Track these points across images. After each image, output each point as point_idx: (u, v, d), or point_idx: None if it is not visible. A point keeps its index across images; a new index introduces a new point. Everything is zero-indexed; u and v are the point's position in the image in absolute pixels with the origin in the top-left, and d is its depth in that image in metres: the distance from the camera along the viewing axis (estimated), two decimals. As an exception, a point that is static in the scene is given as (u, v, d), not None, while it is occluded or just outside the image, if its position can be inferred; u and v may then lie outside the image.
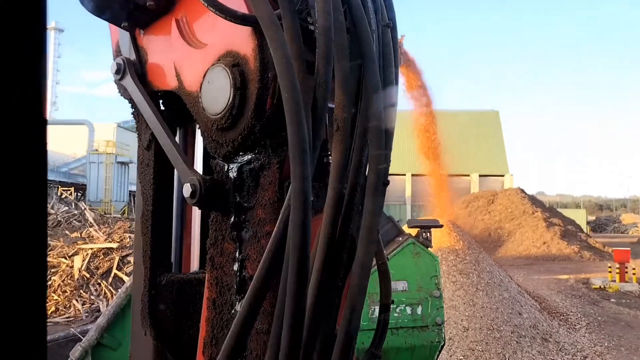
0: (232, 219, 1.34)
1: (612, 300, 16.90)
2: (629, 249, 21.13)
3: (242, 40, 1.32)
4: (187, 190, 1.36)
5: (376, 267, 1.67)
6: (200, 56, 1.46)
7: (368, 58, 1.30)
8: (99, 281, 15.22)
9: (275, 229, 1.14)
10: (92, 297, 14.67)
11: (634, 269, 19.76)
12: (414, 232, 3.64)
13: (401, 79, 25.23)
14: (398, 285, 3.48)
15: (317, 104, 1.20)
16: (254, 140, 1.31)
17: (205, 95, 1.41)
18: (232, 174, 1.35)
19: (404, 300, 3.38)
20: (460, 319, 11.28)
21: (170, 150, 1.52)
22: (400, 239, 3.56)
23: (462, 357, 10.41)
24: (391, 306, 3.50)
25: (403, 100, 26.24)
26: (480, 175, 50.39)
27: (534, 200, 37.43)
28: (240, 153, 1.35)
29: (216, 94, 1.36)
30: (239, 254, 1.33)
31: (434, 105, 27.30)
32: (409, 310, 3.34)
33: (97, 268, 15.59)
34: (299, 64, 1.18)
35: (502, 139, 54.25)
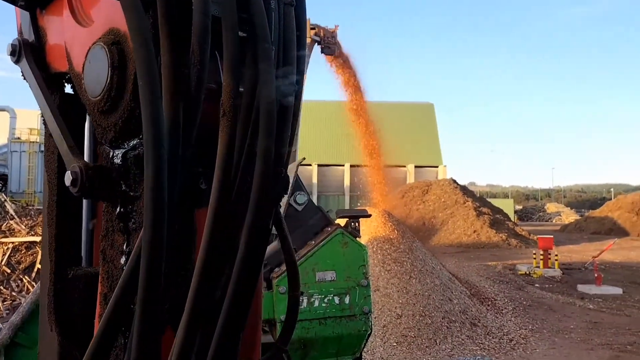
0: (119, 209, 1.24)
1: (537, 285, 17.80)
2: (552, 236, 22.33)
3: (122, 16, 1.22)
4: (67, 177, 1.25)
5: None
6: (86, 34, 1.36)
7: (259, 37, 1.20)
8: (21, 277, 14.44)
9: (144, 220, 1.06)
10: (14, 294, 13.90)
11: (556, 255, 20.89)
12: (342, 222, 3.62)
13: (334, 69, 25.42)
14: (327, 275, 3.46)
15: (191, 85, 1.12)
16: (136, 124, 1.20)
17: (86, 75, 1.31)
18: (117, 161, 1.25)
19: (332, 290, 3.35)
20: (394, 307, 11.51)
21: (57, 135, 1.41)
22: (329, 229, 3.52)
23: (395, 344, 10.64)
24: (319, 296, 3.49)
25: (336, 90, 26.42)
26: (415, 166, 51.66)
27: (465, 191, 38.78)
28: (125, 138, 1.24)
29: (96, 75, 1.26)
30: (126, 247, 1.23)
31: (366, 96, 27.64)
32: (336, 300, 3.32)
33: (19, 263, 14.78)
34: (169, 42, 1.09)
35: (436, 131, 55.79)
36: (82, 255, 1.64)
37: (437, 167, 52.91)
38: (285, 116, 1.26)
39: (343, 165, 50.61)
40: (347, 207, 46.70)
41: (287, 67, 1.30)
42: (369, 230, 13.82)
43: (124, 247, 1.24)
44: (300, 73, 1.39)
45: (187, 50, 1.13)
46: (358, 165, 40.87)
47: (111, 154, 1.27)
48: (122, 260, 1.24)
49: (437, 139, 55.24)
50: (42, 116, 1.63)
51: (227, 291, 1.15)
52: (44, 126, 1.68)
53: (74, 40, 1.42)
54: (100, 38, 1.28)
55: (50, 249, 1.63)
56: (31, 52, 1.60)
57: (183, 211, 1.21)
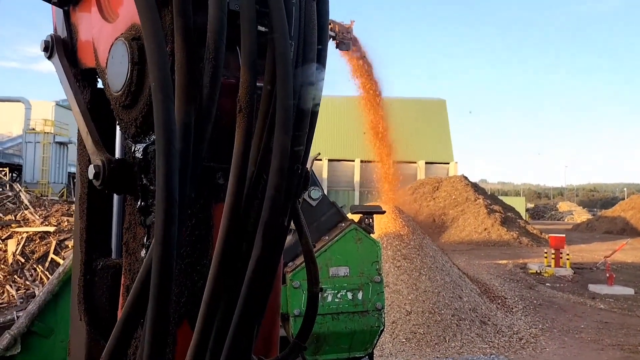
0: (140, 203, 1.26)
1: (547, 284, 17.70)
2: (564, 235, 22.15)
3: None
4: (90, 171, 1.27)
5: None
6: (111, 30, 1.38)
7: (277, 32, 1.19)
8: (35, 266, 14.60)
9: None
10: (27, 283, 14.07)
11: (568, 254, 20.75)
12: (356, 218, 3.63)
13: (348, 65, 25.32)
14: (340, 271, 3.47)
15: (205, 80, 1.13)
16: None
17: (109, 70, 1.33)
18: (138, 155, 1.26)
19: (345, 285, 3.37)
20: (403, 303, 11.52)
21: (83, 130, 1.44)
22: (343, 224, 3.53)
23: (404, 340, 10.65)
24: (332, 292, 3.51)
25: (347, 85, 26.32)
26: (426, 163, 51.46)
27: (476, 188, 38.61)
28: (146, 132, 1.26)
29: (117, 70, 1.28)
30: (147, 240, 1.25)
31: (382, 92, 27.51)
32: (349, 295, 3.33)
33: (33, 252, 14.94)
34: (182, 39, 1.11)
35: (448, 127, 55.50)
36: (111, 247, 1.68)
37: (448, 163, 52.66)
38: (303, 114, 1.25)
39: (353, 161, 50.52)
40: (357, 202, 46.68)
41: (307, 64, 1.30)
42: (380, 226, 13.81)
43: (145, 240, 1.26)
44: (321, 69, 1.38)
45: (202, 46, 1.13)
46: (368, 161, 40.71)
47: (133, 148, 1.28)
48: (143, 253, 1.27)
49: (449, 135, 54.96)
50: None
51: (242, 287, 1.17)
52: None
53: (100, 36, 1.45)
54: (122, 34, 1.29)
55: (81, 240, 1.67)
56: (63, 48, 1.63)
57: (199, 207, 1.23)
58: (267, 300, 1.22)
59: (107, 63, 1.34)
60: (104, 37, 1.43)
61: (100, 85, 1.65)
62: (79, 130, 1.61)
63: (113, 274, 1.58)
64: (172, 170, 1.04)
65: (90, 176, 1.28)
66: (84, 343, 1.64)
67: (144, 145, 1.26)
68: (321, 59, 1.37)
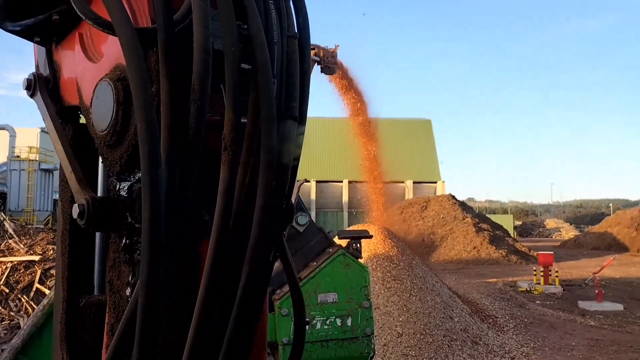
0: (125, 241, 1.25)
1: (537, 302, 17.72)
2: (552, 252, 22.29)
3: None
4: (75, 210, 1.27)
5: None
6: (95, 70, 1.39)
7: (262, 75, 1.21)
8: (20, 296, 14.34)
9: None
10: (12, 314, 13.80)
11: (557, 271, 20.84)
12: (344, 243, 3.62)
13: (335, 87, 25.58)
14: (328, 297, 3.45)
15: (191, 122, 1.14)
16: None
17: (94, 110, 1.34)
18: (123, 193, 1.27)
19: (334, 311, 3.34)
20: (394, 325, 11.44)
21: (67, 168, 1.43)
22: (331, 250, 3.52)
23: (396, 363, 10.55)
24: (321, 319, 3.48)
25: (334, 107, 26.61)
26: (414, 182, 51.71)
27: (464, 206, 38.79)
28: (131, 170, 1.27)
29: (103, 110, 1.29)
30: (132, 278, 1.25)
31: (369, 113, 27.74)
32: (339, 321, 3.30)
33: (17, 282, 14.69)
34: (167, 81, 1.12)
35: (434, 146, 55.96)
36: (94, 284, 1.66)
37: (435, 182, 52.96)
38: (284, 152, 1.27)
39: (341, 182, 50.64)
40: (346, 223, 46.62)
41: (289, 102, 1.32)
42: (369, 247, 13.78)
43: (130, 278, 1.25)
44: (304, 102, 1.40)
45: (188, 86, 1.14)
46: (357, 181, 40.87)
47: (117, 186, 1.29)
48: (128, 291, 1.26)
49: (435, 154, 55.39)
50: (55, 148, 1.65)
51: (229, 325, 1.16)
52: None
53: (83, 75, 1.46)
54: (107, 74, 1.31)
55: (63, 277, 1.65)
56: (45, 86, 1.64)
57: (185, 245, 1.23)
58: (253, 335, 1.21)
59: (91, 103, 1.36)
60: (87, 76, 1.44)
61: (82, 121, 1.65)
62: (61, 167, 1.61)
63: (96, 312, 1.56)
64: (158, 210, 1.04)
65: (75, 215, 1.28)
66: None
67: (129, 183, 1.27)
68: (304, 94, 1.40)
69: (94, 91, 1.34)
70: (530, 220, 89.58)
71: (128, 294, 1.26)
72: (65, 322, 1.60)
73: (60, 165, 1.62)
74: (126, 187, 1.26)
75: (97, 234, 1.60)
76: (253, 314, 1.19)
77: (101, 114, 1.30)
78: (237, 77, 1.17)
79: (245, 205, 1.18)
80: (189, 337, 1.10)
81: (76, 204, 1.27)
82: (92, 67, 1.42)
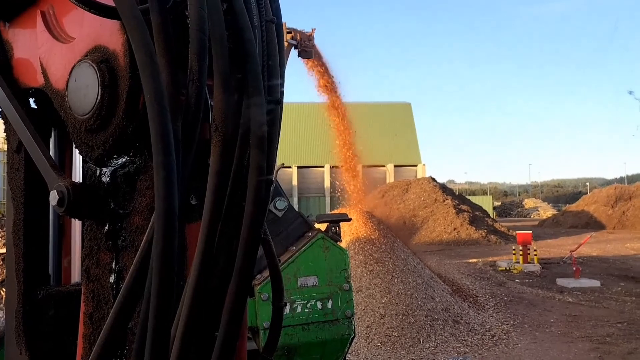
0: (107, 227, 1.23)
1: (517, 280, 18.04)
2: (531, 232, 22.66)
3: (111, 34, 1.21)
4: (53, 197, 1.24)
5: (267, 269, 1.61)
6: (67, 51, 1.34)
7: (249, 56, 1.21)
8: (-2, 289, 14.15)
9: (144, 237, 1.06)
10: (-9, 307, 13.62)
11: (535, 250, 21.21)
12: (323, 227, 3.63)
13: (311, 72, 25.48)
14: (309, 281, 3.47)
15: (190, 102, 1.12)
16: (127, 142, 1.21)
17: (71, 93, 1.29)
18: (105, 179, 1.24)
19: (315, 295, 3.36)
20: (377, 307, 11.57)
21: (36, 154, 1.39)
22: (310, 234, 3.53)
23: (379, 344, 10.69)
24: (301, 302, 3.49)
25: (314, 92, 26.43)
26: (395, 166, 51.96)
27: (444, 189, 39.15)
28: (114, 156, 1.24)
29: (83, 93, 1.25)
30: (116, 265, 1.23)
31: (344, 97, 27.67)
32: (319, 305, 3.33)
33: (-5, 275, 14.48)
34: (166, 61, 1.09)
35: (414, 130, 56.20)
36: (49, 274, 1.63)
37: (416, 165, 53.29)
38: (272, 131, 1.27)
39: (323, 167, 50.67)
40: (328, 208, 46.76)
41: (272, 80, 1.32)
42: (350, 231, 13.87)
43: (113, 265, 1.23)
44: (282, 84, 1.42)
45: (185, 68, 1.13)
46: (337, 166, 41.00)
47: (98, 172, 1.26)
48: (112, 278, 1.24)
49: (416, 137, 55.64)
50: (7, 134, 1.61)
51: (221, 305, 1.15)
52: (6, 141, 1.66)
53: (51, 56, 1.40)
54: (86, 55, 1.26)
55: (19, 269, 1.60)
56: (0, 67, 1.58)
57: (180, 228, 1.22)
58: (242, 315, 1.21)
59: (67, 86, 1.31)
60: (56, 57, 1.38)
61: (33, 106, 1.61)
62: (10, 152, 1.57)
63: (56, 303, 1.53)
64: (173, 182, 1.02)
65: (53, 202, 1.25)
66: None
67: (112, 168, 1.24)
68: (281, 79, 1.41)
69: (70, 73, 1.29)
70: (509, 200, 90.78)
71: (112, 281, 1.24)
72: (23, 315, 1.56)
73: (8, 150, 1.58)
74: (109, 173, 1.24)
75: (51, 223, 1.58)
76: (248, 288, 1.18)
77: (81, 97, 1.25)
78: (226, 57, 1.16)
79: (235, 185, 1.16)
80: (182, 316, 1.08)
81: (54, 191, 1.24)
82: (62, 47, 1.36)
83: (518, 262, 20.45)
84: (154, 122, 1.03)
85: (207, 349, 1.12)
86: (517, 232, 24.70)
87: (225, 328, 1.12)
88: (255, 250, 1.17)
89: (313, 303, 3.36)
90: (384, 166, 50.83)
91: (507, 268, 20.11)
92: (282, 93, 1.41)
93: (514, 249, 21.55)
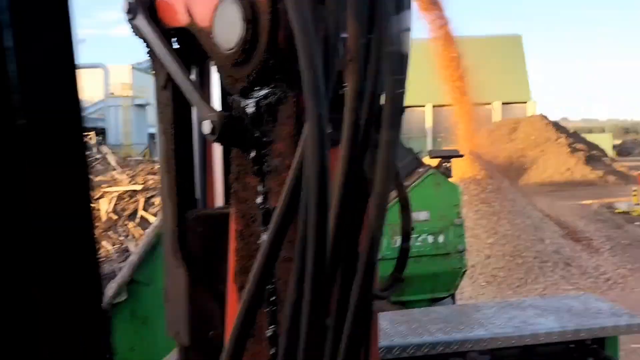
0: (253, 154, 1.35)
1: (637, 223, 16.87)
2: (655, 172, 20.87)
3: None
4: (207, 126, 1.36)
5: (397, 198, 1.66)
6: None
7: None
8: (126, 222, 15.64)
9: (294, 161, 1.14)
10: (121, 238, 15.13)
11: (659, 191, 19.59)
12: (434, 162, 3.63)
13: (416, 5, 24.30)
14: (420, 215, 3.51)
15: (329, 34, 1.17)
16: (268, 74, 1.29)
17: (217, 30, 1.38)
18: (250, 109, 1.34)
19: (426, 229, 3.41)
20: (482, 247, 11.42)
21: (187, 89, 1.52)
22: (421, 170, 3.55)
23: (484, 284, 10.62)
24: (413, 235, 3.56)
25: (418, 26, 25.28)
26: (502, 103, 49.34)
27: (557, 127, 36.75)
28: (256, 88, 1.33)
29: (228, 29, 1.33)
30: (262, 187, 1.35)
31: (453, 31, 26.33)
32: (430, 239, 3.38)
33: (123, 210, 15.97)
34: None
35: (524, 65, 52.60)
36: (196, 198, 1.80)
37: (525, 103, 50.25)
38: (404, 59, 1.28)
39: (424, 106, 49.34)
40: (429, 148, 45.82)
41: (404, 10, 1.32)
42: (457, 171, 13.55)
43: (259, 187, 1.34)
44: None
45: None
46: (441, 105, 39.64)
47: (242, 103, 1.37)
48: (259, 199, 1.35)
49: (526, 73, 52.15)
50: (155, 72, 1.74)
51: (360, 225, 1.18)
52: (154, 79, 1.80)
53: None
54: None
55: (171, 194, 1.77)
56: (147, 8, 1.70)
57: None
58: (381, 235, 1.25)
59: (213, 22, 1.40)
60: None
61: (176, 45, 1.72)
62: (160, 89, 1.70)
63: (205, 224, 1.70)
64: (321, 104, 1.08)
65: (207, 131, 1.36)
66: (184, 288, 1.77)
67: (255, 99, 1.33)
68: (409, 4, 1.40)
69: (215, 10, 1.39)
70: (631, 138, 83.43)
71: (259, 202, 1.36)
72: (178, 234, 1.73)
73: (156, 87, 1.71)
74: (253, 104, 1.34)
75: (196, 152, 1.72)
76: (386, 207, 1.22)
77: (226, 33, 1.34)
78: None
79: (371, 114, 1.21)
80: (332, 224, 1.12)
81: (207, 121, 1.37)
82: None
83: (638, 204, 19.02)
84: (303, 54, 1.08)
85: (352, 267, 1.20)
86: (638, 172, 22.82)
87: (367, 249, 1.18)
88: (391, 174, 1.22)
89: (425, 237, 3.41)
90: (489, 104, 48.44)
91: (626, 210, 18.83)
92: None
93: (634, 190, 20.03)
